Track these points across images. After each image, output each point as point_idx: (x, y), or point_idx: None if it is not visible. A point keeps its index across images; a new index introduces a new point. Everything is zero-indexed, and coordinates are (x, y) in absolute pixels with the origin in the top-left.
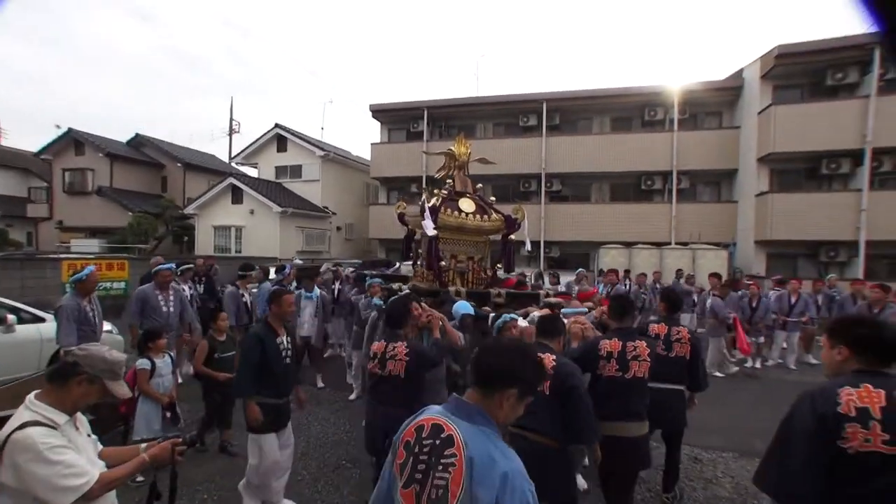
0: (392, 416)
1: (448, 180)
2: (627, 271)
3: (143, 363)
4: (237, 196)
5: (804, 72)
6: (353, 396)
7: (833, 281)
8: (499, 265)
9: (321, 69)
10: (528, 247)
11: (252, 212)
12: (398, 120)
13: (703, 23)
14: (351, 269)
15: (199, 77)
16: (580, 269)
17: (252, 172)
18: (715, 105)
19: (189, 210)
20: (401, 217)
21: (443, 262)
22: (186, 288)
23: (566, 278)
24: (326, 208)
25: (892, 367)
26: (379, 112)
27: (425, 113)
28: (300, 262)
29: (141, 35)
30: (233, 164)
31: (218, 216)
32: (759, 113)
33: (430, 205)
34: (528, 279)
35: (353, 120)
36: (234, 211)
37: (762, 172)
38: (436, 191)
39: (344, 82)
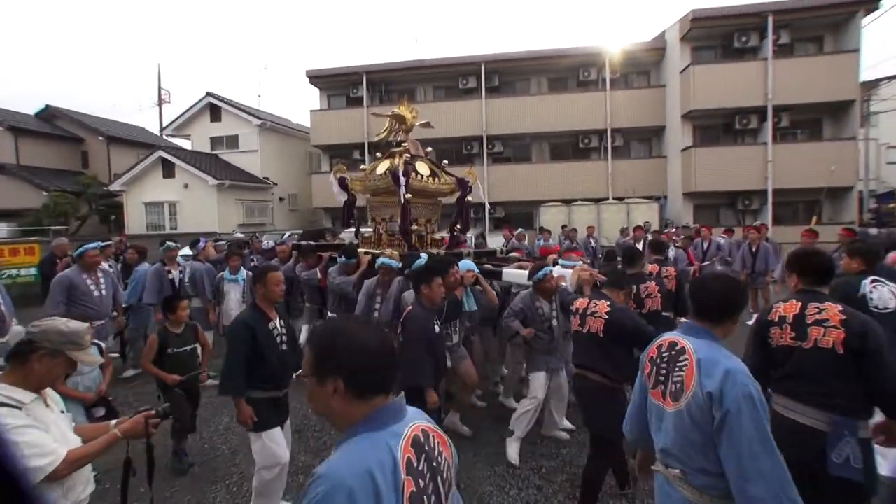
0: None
1: (404, 143)
2: (564, 226)
3: None
4: (169, 170)
5: (716, 34)
6: None
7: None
8: (457, 227)
9: (255, 35)
10: (489, 206)
11: (186, 186)
12: (337, 86)
13: None
14: (273, 241)
15: (122, 45)
16: (520, 230)
17: (186, 144)
18: (643, 65)
19: (115, 187)
20: (342, 182)
21: (415, 227)
22: (107, 266)
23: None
24: (267, 179)
25: (825, 286)
26: (316, 78)
27: (364, 78)
28: (240, 235)
29: None
30: (164, 137)
31: (149, 192)
32: (681, 72)
33: (401, 169)
34: (468, 239)
35: (291, 87)
36: (166, 185)
37: (686, 128)
38: (404, 154)
39: (280, 48)
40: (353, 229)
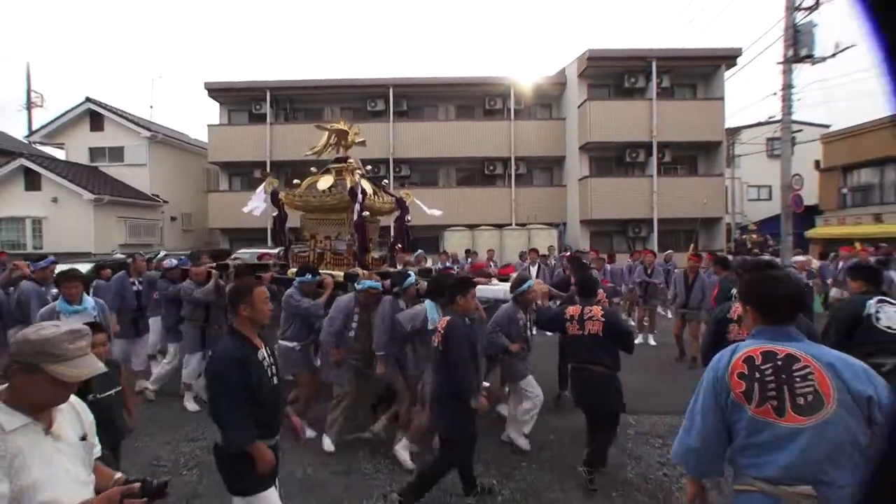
0: (434, 381)
1: (349, 160)
2: (468, 251)
3: None
4: (33, 181)
5: (609, 74)
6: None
7: (669, 255)
8: (399, 245)
9: (148, 41)
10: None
11: (55, 200)
12: (239, 101)
13: (541, 19)
14: (177, 260)
15: None
16: (419, 251)
17: (59, 154)
18: (545, 97)
19: None
20: (274, 196)
21: (371, 245)
22: None
23: None
24: (156, 196)
25: None
26: (216, 91)
27: (268, 94)
28: (121, 256)
29: None
30: (32, 144)
31: (5, 205)
32: (579, 107)
33: (359, 186)
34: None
35: (189, 100)
36: (29, 199)
37: (583, 159)
38: (355, 171)
39: (177, 57)
40: (283, 247)
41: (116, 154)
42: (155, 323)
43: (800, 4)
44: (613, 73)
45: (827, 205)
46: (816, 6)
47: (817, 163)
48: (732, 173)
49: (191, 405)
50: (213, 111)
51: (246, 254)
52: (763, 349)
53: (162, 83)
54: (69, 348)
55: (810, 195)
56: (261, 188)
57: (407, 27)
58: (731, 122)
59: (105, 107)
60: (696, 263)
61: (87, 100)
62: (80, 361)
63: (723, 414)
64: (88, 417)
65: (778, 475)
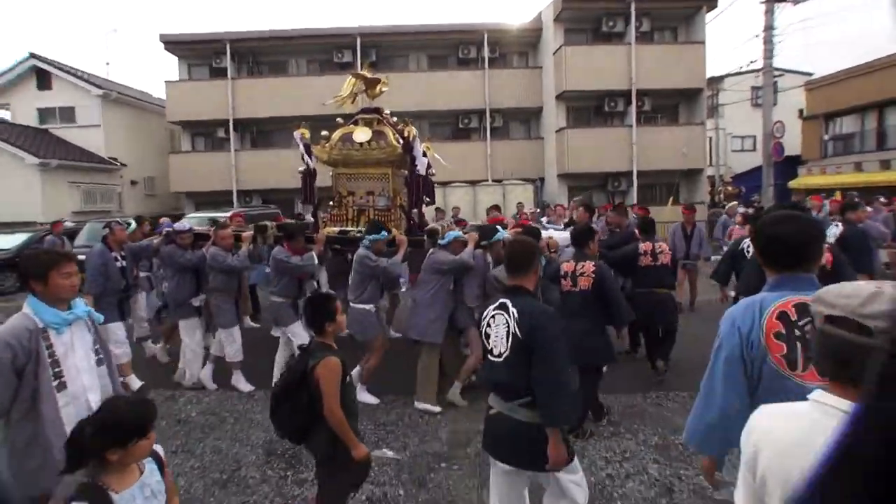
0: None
1: (384, 112)
2: (437, 208)
3: None
4: None
5: (586, 17)
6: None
7: (733, 209)
8: (427, 198)
9: None
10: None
11: None
12: (198, 54)
13: None
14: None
15: None
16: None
17: (6, 116)
18: (522, 45)
19: None
20: (307, 148)
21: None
22: None
23: None
24: (113, 159)
25: None
26: (173, 44)
27: (228, 46)
28: (71, 224)
29: None
30: None
31: None
32: (554, 53)
33: (415, 140)
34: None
35: (150, 56)
36: None
37: (560, 110)
38: (404, 125)
39: (134, 9)
40: (312, 206)
41: (67, 115)
42: (140, 300)
43: None
44: (591, 17)
45: (809, 154)
46: None
47: (801, 112)
48: (716, 124)
49: (244, 385)
50: (172, 67)
51: (196, 218)
52: (794, 301)
53: (117, 38)
54: None
55: (794, 145)
56: (297, 137)
57: None
58: (713, 70)
59: (51, 63)
60: (692, 216)
61: (32, 56)
62: None
63: (750, 384)
64: None
65: None
